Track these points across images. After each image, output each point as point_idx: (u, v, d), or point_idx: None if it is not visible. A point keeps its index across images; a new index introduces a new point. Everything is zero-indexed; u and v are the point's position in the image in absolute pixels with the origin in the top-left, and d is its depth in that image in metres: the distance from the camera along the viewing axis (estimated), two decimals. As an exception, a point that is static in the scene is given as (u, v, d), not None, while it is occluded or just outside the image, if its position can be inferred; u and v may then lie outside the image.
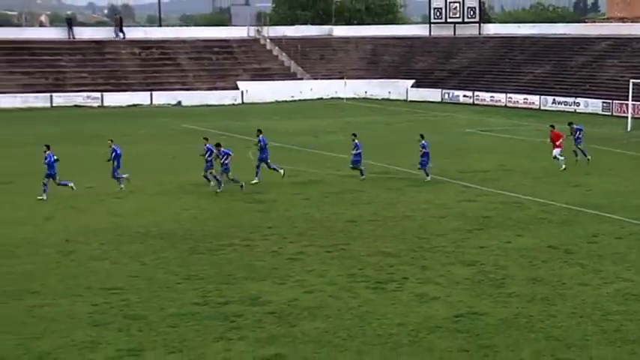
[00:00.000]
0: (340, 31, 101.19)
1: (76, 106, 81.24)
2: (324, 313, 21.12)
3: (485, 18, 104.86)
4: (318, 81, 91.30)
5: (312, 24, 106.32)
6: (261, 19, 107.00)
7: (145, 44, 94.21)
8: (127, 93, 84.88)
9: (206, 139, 38.23)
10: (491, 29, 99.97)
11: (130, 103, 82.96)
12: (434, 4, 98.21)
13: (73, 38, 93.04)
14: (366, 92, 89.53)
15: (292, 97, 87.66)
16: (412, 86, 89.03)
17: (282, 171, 39.24)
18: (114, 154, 37.71)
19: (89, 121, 69.23)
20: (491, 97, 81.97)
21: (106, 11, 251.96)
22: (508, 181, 39.58)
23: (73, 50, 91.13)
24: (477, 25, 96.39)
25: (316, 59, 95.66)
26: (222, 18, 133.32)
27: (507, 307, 21.61)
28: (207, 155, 37.09)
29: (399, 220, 31.59)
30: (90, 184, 38.86)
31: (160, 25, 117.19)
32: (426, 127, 63.42)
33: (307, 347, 18.84)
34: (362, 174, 39.88)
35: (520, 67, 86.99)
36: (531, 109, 76.88)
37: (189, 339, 19.39)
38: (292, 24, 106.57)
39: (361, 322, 20.41)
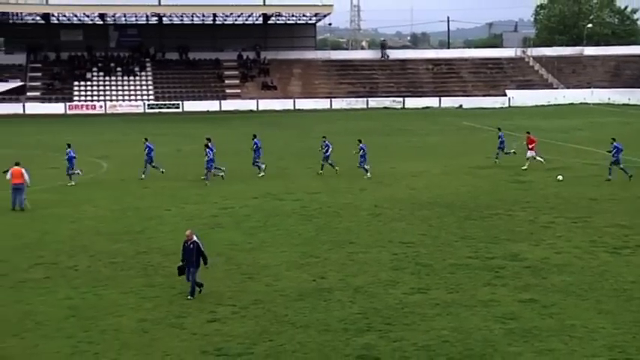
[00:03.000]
0: (590, 50, 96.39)
1: (384, 107, 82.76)
2: (569, 269, 20.23)
3: None
4: (570, 90, 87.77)
5: (566, 45, 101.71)
6: (526, 42, 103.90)
7: (437, 61, 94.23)
8: (421, 98, 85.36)
9: (208, 139, 35.15)
10: None
11: (424, 106, 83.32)
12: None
13: (384, 58, 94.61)
14: (609, 99, 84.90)
15: (548, 102, 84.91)
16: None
17: (263, 167, 36.59)
18: (147, 149, 35.75)
19: (394, 119, 70.24)
20: None
21: (409, 37, 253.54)
22: None
23: (384, 66, 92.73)
24: None
25: (569, 73, 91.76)
26: (495, 42, 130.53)
27: None
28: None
29: (633, 200, 29.62)
30: (393, 165, 39.40)
31: (449, 47, 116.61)
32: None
33: (555, 295, 18.13)
34: (322, 167, 36.62)
35: None
36: None
37: (464, 283, 19.20)
38: (551, 46, 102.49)
39: (600, 278, 19.36)
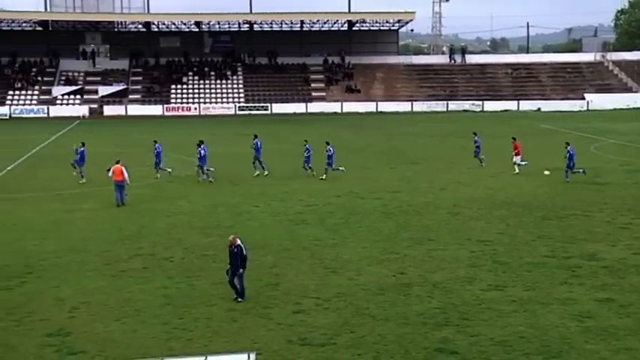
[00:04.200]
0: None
1: (464, 110, 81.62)
2: (647, 270, 19.55)
3: None
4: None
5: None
6: (605, 47, 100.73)
7: (516, 66, 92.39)
8: (500, 101, 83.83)
9: (201, 141, 34.75)
10: None
11: (503, 109, 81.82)
12: None
13: (464, 62, 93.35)
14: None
15: (627, 105, 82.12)
16: None
17: (266, 172, 35.83)
18: (156, 151, 35.53)
19: (473, 121, 69.09)
20: None
21: (488, 43, 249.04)
22: None
23: (464, 71, 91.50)
24: None
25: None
26: (574, 47, 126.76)
27: None
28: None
29: None
30: (470, 166, 38.84)
31: (528, 52, 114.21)
32: None
33: (633, 295, 17.52)
34: (307, 170, 35.81)
35: None
36: None
37: (540, 281, 18.75)
38: (631, 50, 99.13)
39: (678, 280, 18.62)
